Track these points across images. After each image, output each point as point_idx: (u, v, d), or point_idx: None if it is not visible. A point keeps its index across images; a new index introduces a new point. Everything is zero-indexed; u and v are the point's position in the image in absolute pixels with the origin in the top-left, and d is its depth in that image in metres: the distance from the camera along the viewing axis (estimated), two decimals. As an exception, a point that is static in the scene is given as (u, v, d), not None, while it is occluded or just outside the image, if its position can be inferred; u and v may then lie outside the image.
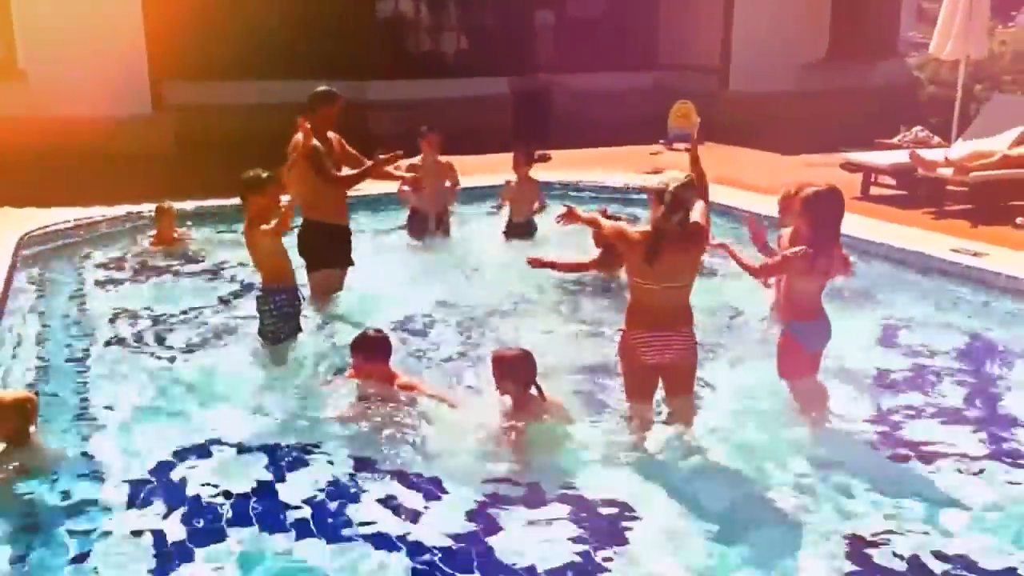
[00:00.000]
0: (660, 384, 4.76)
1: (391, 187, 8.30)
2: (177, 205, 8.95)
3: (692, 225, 4.48)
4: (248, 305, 6.95)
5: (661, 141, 14.12)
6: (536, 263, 6.24)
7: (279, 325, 5.71)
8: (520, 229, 8.51)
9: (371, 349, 5.10)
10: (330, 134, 6.53)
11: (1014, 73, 13.46)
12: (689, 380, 4.71)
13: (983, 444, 4.92)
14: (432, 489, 4.39)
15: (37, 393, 4.65)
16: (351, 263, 6.70)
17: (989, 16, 11.13)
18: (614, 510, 4.22)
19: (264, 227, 5.55)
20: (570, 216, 5.11)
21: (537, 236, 8.58)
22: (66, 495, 4.24)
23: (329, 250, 6.43)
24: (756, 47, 16.00)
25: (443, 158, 8.26)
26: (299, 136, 6.32)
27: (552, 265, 6.62)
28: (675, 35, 17.68)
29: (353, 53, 14.93)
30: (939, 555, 3.90)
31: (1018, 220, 8.76)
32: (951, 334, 6.52)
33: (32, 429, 4.41)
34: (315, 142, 6.29)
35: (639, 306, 4.54)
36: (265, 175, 5.71)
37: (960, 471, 4.61)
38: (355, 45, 15.15)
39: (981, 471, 4.61)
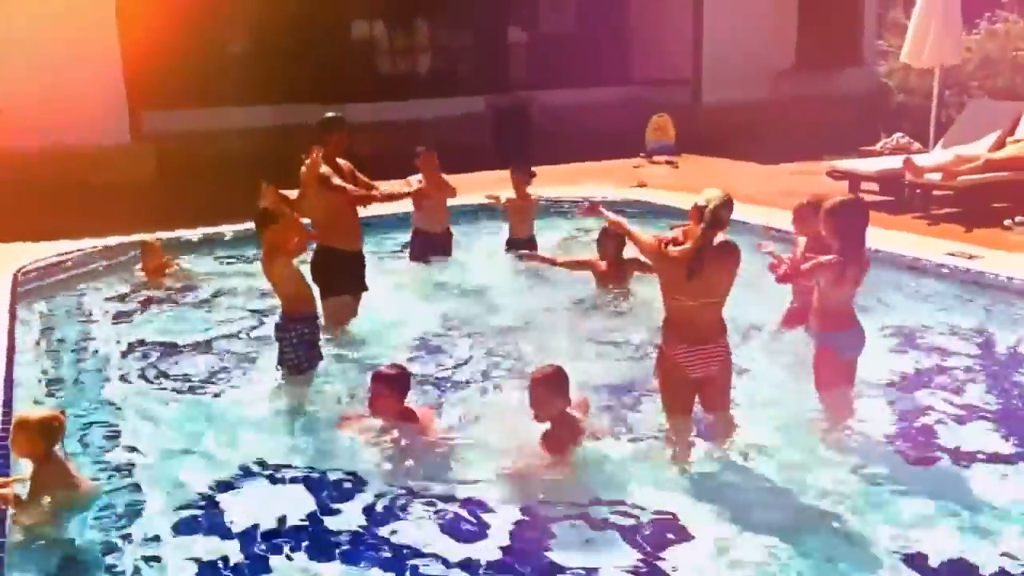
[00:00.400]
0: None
1: (387, 209, 8.24)
2: (165, 235, 8.86)
3: (727, 242, 4.54)
4: (258, 333, 6.95)
5: (641, 154, 14.23)
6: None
7: (300, 354, 5.65)
8: (521, 246, 8.52)
9: (388, 385, 5.02)
10: (341, 161, 6.49)
11: (980, 79, 13.78)
12: (728, 391, 4.76)
13: (1010, 443, 5.01)
14: (477, 517, 4.35)
15: (64, 412, 4.56)
16: (365, 289, 6.67)
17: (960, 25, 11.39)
18: (665, 527, 4.22)
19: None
20: (592, 210, 5.21)
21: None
22: (97, 531, 4.20)
23: (343, 276, 6.39)
24: (727, 58, 16.25)
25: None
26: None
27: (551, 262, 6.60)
28: (646, 49, 17.87)
29: (332, 76, 14.90)
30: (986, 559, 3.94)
31: (1006, 222, 8.96)
32: (957, 337, 6.62)
33: (57, 448, 4.31)
34: (324, 167, 6.27)
35: (678, 322, 4.55)
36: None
37: (991, 471, 4.69)
38: (334, 68, 15.12)
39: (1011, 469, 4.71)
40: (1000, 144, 10.08)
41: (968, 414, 5.39)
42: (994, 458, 4.85)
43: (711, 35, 16.58)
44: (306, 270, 6.16)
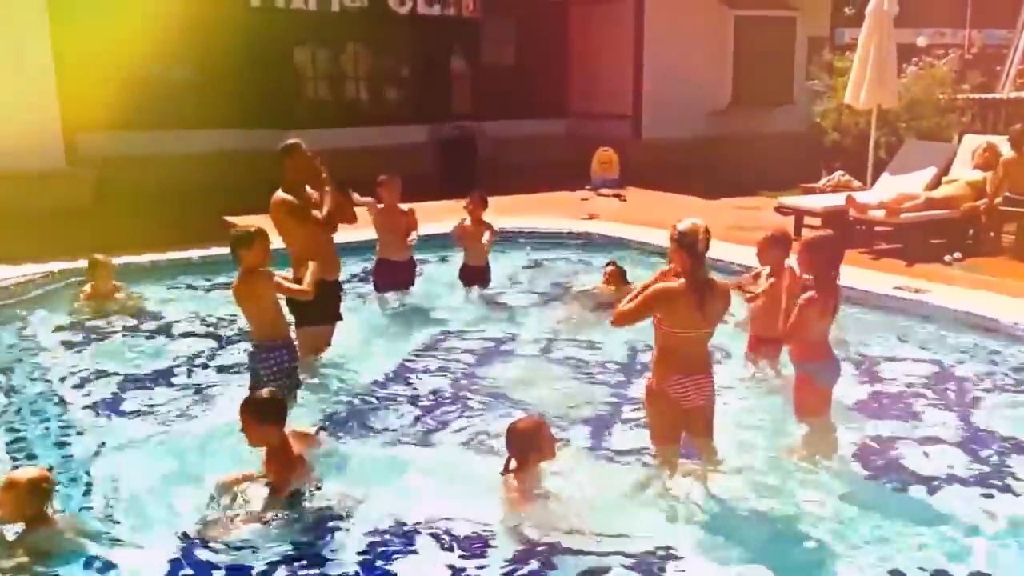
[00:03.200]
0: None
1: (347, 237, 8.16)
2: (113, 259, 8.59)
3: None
4: (220, 362, 6.79)
5: (587, 187, 14.40)
6: None
7: (281, 383, 5.48)
8: (476, 273, 8.51)
9: (255, 414, 4.51)
10: (309, 190, 6.38)
11: (907, 120, 14.32)
12: (712, 420, 4.80)
13: (973, 464, 5.19)
14: (461, 550, 4.28)
15: (51, 469, 4.34)
16: (340, 318, 6.57)
17: (895, 69, 11.86)
18: (655, 557, 4.21)
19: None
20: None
21: (493, 281, 8.68)
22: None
23: (319, 306, 6.25)
24: (666, 96, 16.67)
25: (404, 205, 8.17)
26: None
27: None
28: (585, 83, 18.19)
29: (273, 102, 14.74)
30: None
31: (946, 258, 9.32)
32: (907, 364, 6.84)
33: (50, 510, 4.13)
34: (285, 195, 6.18)
35: (675, 353, 4.56)
36: (253, 230, 5.50)
37: (956, 491, 4.86)
38: (275, 94, 14.97)
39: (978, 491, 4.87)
40: (936, 183, 10.50)
41: (930, 437, 5.55)
42: (961, 479, 5.00)
43: (652, 74, 16.99)
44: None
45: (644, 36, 17.16)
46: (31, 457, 5.11)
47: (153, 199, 12.54)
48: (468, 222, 8.46)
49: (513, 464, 4.66)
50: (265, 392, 4.75)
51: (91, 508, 4.58)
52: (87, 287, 8.16)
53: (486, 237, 8.29)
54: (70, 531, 4.16)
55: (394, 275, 8.00)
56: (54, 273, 8.71)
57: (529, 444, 4.63)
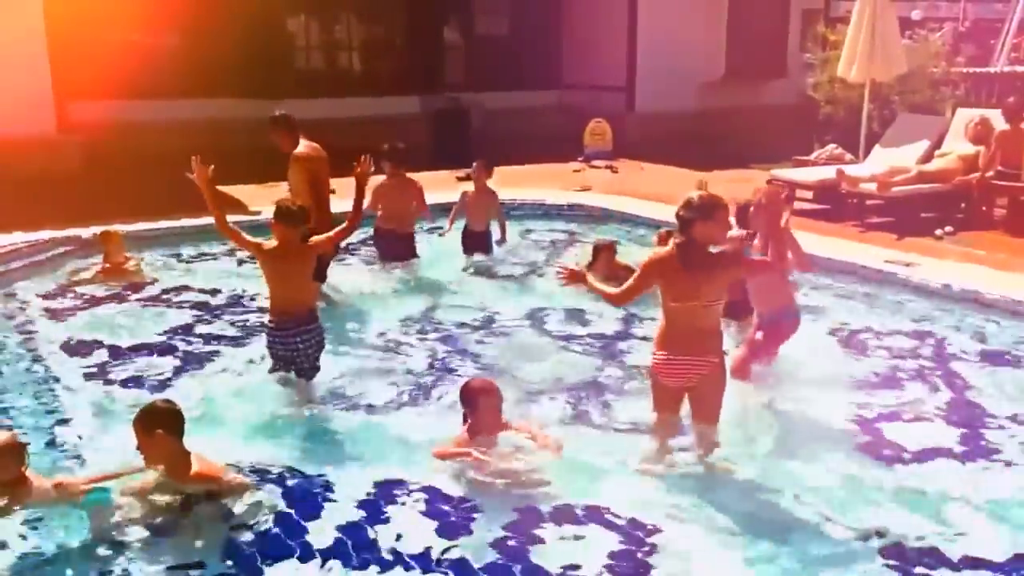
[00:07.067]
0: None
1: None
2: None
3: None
4: (212, 331, 6.82)
5: (580, 159, 14.37)
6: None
7: (275, 363, 5.51)
8: (478, 239, 8.52)
9: (146, 426, 4.14)
10: None
11: (900, 93, 14.30)
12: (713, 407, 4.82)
13: (960, 438, 5.23)
14: (449, 515, 4.33)
15: (10, 429, 4.36)
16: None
17: (899, 40, 11.81)
18: (640, 528, 4.23)
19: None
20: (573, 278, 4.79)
21: (495, 248, 8.71)
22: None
23: None
24: (660, 69, 16.58)
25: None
26: None
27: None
28: (578, 55, 18.07)
29: (265, 72, 14.61)
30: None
31: (937, 232, 9.34)
32: (897, 338, 6.88)
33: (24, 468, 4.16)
34: None
35: (667, 327, 4.65)
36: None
37: (945, 464, 4.89)
38: (267, 64, 14.84)
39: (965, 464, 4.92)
40: (928, 156, 10.51)
41: (918, 411, 5.59)
42: (948, 453, 5.04)
43: (645, 46, 16.89)
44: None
45: (638, 7, 17.04)
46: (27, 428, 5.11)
47: (143, 167, 12.45)
48: (471, 191, 8.49)
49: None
50: (160, 401, 4.36)
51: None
52: (97, 261, 8.08)
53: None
54: (48, 492, 4.16)
55: (394, 247, 8.00)
56: (45, 241, 8.67)
57: (467, 403, 4.64)
